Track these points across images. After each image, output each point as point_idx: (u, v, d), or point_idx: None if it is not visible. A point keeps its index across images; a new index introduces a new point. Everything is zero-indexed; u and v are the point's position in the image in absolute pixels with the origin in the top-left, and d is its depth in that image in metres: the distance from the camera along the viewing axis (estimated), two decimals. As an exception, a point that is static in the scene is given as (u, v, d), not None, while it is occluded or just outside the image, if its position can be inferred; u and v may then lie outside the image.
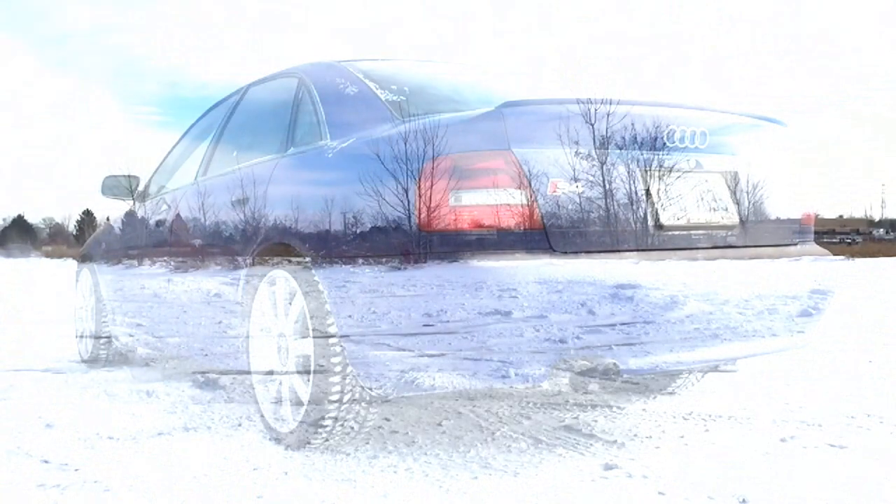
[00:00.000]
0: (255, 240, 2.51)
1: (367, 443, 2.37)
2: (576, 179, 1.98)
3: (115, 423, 2.69)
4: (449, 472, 2.08)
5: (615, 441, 2.36)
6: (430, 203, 1.91)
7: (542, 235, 1.92)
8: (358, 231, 2.08)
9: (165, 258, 3.27)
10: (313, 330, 2.17)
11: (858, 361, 3.79)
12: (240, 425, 2.61)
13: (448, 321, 1.88)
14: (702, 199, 2.20)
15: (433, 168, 1.92)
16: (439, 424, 2.62)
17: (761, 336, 2.24)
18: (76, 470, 2.14)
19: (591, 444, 2.34)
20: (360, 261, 2.05)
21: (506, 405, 2.90)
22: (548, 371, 1.92)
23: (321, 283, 2.15)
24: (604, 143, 2.05)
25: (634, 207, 2.06)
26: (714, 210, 2.22)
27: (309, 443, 2.24)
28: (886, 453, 2.22)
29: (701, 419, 2.62)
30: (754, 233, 2.30)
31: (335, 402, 2.14)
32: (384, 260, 1.99)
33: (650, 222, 2.07)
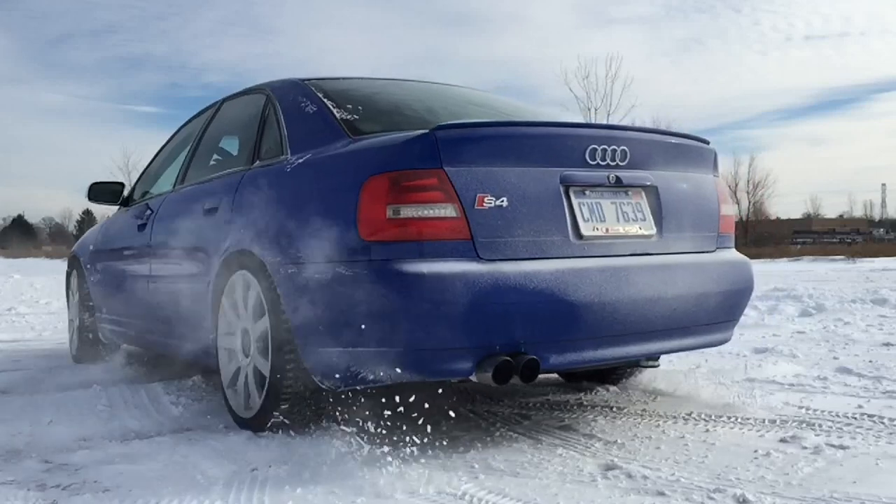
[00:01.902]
0: (223, 246, 2.71)
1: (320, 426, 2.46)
2: (501, 194, 2.15)
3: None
4: (449, 472, 2.08)
5: (615, 441, 2.36)
6: (371, 215, 2.11)
7: (469, 245, 2.10)
8: (310, 239, 2.26)
9: (146, 260, 3.47)
10: (271, 328, 2.40)
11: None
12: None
13: (386, 322, 2.07)
14: (620, 211, 2.39)
15: (374, 184, 2.12)
16: (439, 424, 2.61)
17: (680, 334, 2.50)
18: None
19: (591, 444, 2.33)
20: (312, 266, 2.24)
21: (506, 405, 2.90)
22: (474, 366, 2.12)
23: (278, 286, 2.35)
24: (529, 162, 2.24)
25: (556, 219, 2.24)
26: (633, 221, 2.42)
27: (267, 427, 2.43)
28: (886, 453, 2.21)
29: (701, 419, 2.62)
30: (672, 242, 2.50)
31: (288, 393, 2.36)
32: (332, 265, 2.17)
33: (570, 232, 2.26)
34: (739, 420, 2.60)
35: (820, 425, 2.51)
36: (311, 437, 2.43)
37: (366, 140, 2.35)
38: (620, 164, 2.37)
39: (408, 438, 2.45)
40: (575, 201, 2.29)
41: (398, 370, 2.12)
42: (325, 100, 2.66)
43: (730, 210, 2.78)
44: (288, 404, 2.38)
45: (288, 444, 2.35)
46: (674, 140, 2.63)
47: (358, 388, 2.26)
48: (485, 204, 2.12)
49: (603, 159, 2.33)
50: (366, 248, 2.10)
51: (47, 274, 14.47)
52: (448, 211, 2.09)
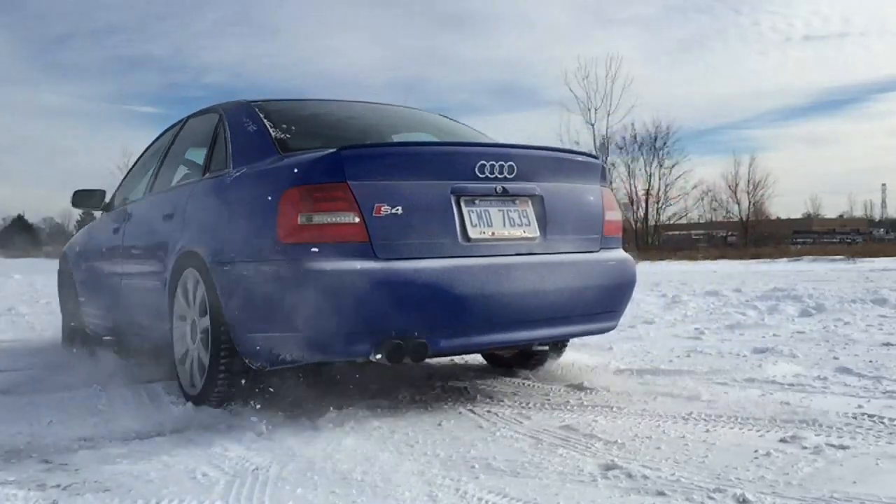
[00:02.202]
0: (176, 247, 3.09)
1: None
2: (397, 204, 2.50)
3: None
4: (449, 472, 2.08)
5: (615, 441, 2.36)
6: (287, 222, 2.47)
7: (368, 246, 2.46)
8: (240, 242, 2.66)
9: (119, 259, 3.94)
10: (210, 319, 2.76)
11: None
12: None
13: (299, 311, 2.42)
14: (507, 217, 2.73)
15: (289, 195, 2.48)
16: (439, 424, 2.62)
17: (561, 323, 2.86)
18: None
19: (591, 444, 2.33)
20: (241, 265, 2.62)
21: (507, 405, 2.90)
22: (371, 348, 2.48)
23: (216, 281, 2.72)
24: (423, 176, 2.59)
25: (446, 224, 2.59)
26: (518, 226, 2.75)
27: (209, 401, 2.81)
28: (886, 454, 2.21)
29: (702, 419, 2.62)
30: (555, 243, 2.83)
31: (224, 374, 2.73)
32: (257, 264, 2.56)
33: (459, 235, 2.60)
34: (739, 420, 2.60)
35: (820, 425, 2.50)
36: (311, 439, 2.44)
37: (290, 157, 2.70)
38: (508, 177, 2.72)
39: (407, 438, 2.45)
40: (465, 209, 2.63)
41: (310, 352, 2.52)
42: (265, 120, 3.03)
43: (615, 216, 3.10)
44: (225, 384, 2.76)
45: (288, 445, 2.36)
46: (560, 155, 3.01)
47: (277, 367, 2.65)
48: (382, 212, 2.48)
49: (491, 173, 2.68)
50: (283, 249, 2.47)
51: (47, 274, 14.44)
52: (350, 218, 2.45)
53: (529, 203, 2.80)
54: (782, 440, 2.34)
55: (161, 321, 3.25)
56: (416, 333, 2.49)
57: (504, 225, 2.72)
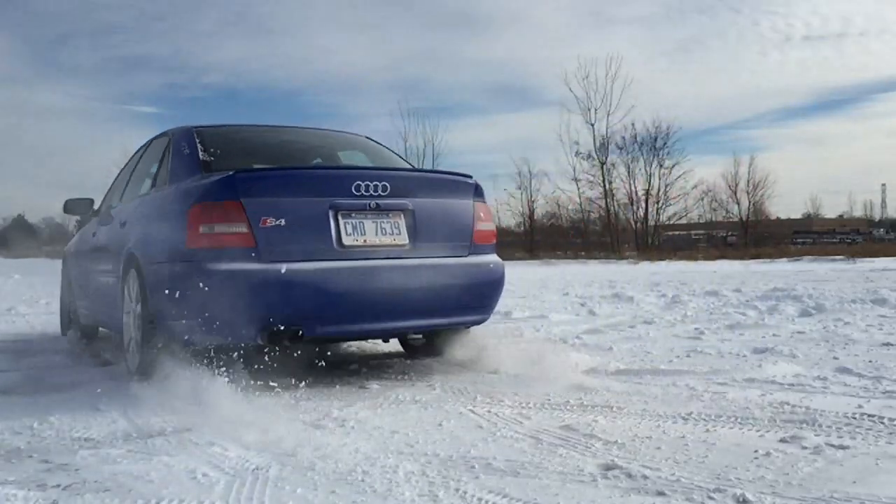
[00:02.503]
0: (125, 249, 3.64)
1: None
2: (281, 217, 3.01)
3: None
4: (449, 472, 2.08)
5: (615, 441, 2.36)
6: (192, 231, 3.01)
7: (255, 251, 2.98)
8: (162, 246, 3.21)
9: (95, 258, 4.48)
10: (142, 310, 3.31)
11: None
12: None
13: (201, 303, 2.92)
14: (379, 227, 3.21)
15: (194, 209, 3.03)
16: (439, 424, 2.62)
17: (428, 316, 3.31)
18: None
19: (591, 444, 2.33)
20: (161, 265, 3.17)
21: (507, 405, 2.90)
22: (256, 333, 2.99)
23: (145, 278, 3.28)
24: (305, 194, 3.10)
25: (323, 234, 3.09)
26: (389, 235, 3.23)
27: (146, 374, 3.24)
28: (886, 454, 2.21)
29: (702, 419, 2.62)
30: (424, 249, 3.28)
31: (153, 349, 3.20)
32: (172, 265, 3.09)
33: (335, 243, 3.10)
34: (739, 420, 2.60)
35: (820, 425, 2.51)
36: (311, 439, 2.44)
37: (206, 177, 3.19)
38: (382, 194, 3.21)
39: (408, 438, 2.45)
40: (341, 221, 3.13)
41: (210, 336, 3.00)
42: (199, 144, 3.54)
43: (485, 226, 3.54)
44: (150, 359, 3.23)
45: (289, 445, 2.36)
46: (432, 176, 3.63)
47: (189, 347, 3.12)
48: (268, 223, 2.99)
49: (367, 191, 3.17)
50: (188, 253, 3.01)
51: (47, 274, 14.44)
52: (241, 228, 2.97)
53: (402, 216, 3.28)
54: (782, 440, 2.34)
55: (118, 311, 3.75)
56: (293, 322, 2.98)
57: (376, 234, 3.21)
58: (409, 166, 3.83)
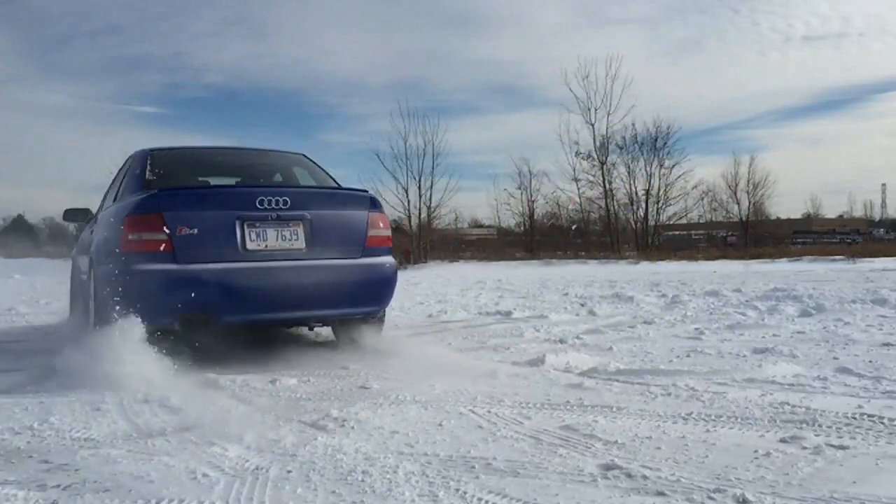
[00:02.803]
0: (90, 252, 4.39)
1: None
2: (194, 227, 3.61)
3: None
4: (450, 472, 2.08)
5: (615, 441, 2.36)
6: (125, 238, 3.64)
7: (172, 255, 3.59)
8: (107, 250, 3.87)
9: (83, 259, 5.11)
10: (94, 301, 4.08)
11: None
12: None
13: (131, 295, 3.54)
14: (280, 234, 3.81)
15: (127, 221, 3.66)
16: (440, 424, 2.62)
17: (322, 307, 3.90)
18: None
19: (591, 444, 2.34)
20: (105, 265, 3.84)
21: (507, 405, 2.90)
22: (173, 320, 3.61)
23: (95, 275, 4.05)
24: (216, 208, 3.73)
25: (230, 241, 3.69)
26: (288, 240, 3.83)
27: (97, 353, 3.52)
28: (886, 455, 2.21)
29: (702, 419, 2.62)
30: (319, 252, 3.88)
31: (104, 331, 3.62)
32: (112, 265, 3.72)
33: (240, 247, 3.71)
34: (739, 420, 2.60)
35: (820, 425, 2.51)
36: (312, 439, 2.44)
37: (144, 194, 3.81)
38: (283, 207, 3.82)
39: (408, 438, 2.45)
40: (246, 230, 3.74)
41: (141, 319, 3.49)
42: (148, 165, 4.22)
43: (379, 233, 4.13)
44: (106, 343, 3.56)
45: (289, 445, 2.36)
46: (328, 192, 4.30)
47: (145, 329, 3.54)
48: (183, 232, 3.59)
49: (269, 205, 3.79)
50: (121, 256, 3.64)
51: (47, 274, 14.45)
52: (161, 237, 3.58)
53: (301, 224, 3.88)
54: (782, 440, 2.34)
55: (90, 302, 4.35)
56: (204, 312, 3.61)
57: (277, 240, 3.81)
58: (313, 183, 4.63)
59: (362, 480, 2.01)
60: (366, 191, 4.28)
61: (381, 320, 4.50)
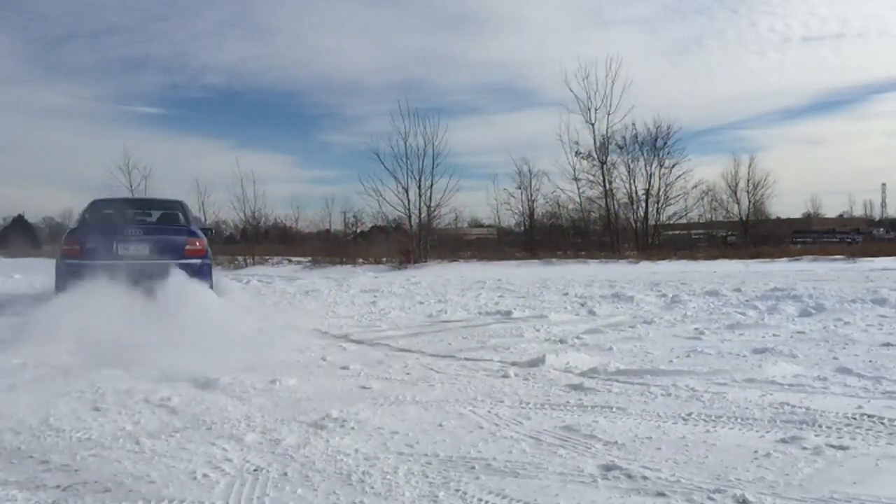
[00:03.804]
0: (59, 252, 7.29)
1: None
2: (93, 242, 6.66)
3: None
4: (450, 472, 2.08)
5: (615, 441, 2.36)
6: (64, 246, 6.94)
7: (81, 256, 6.69)
8: (59, 252, 7.12)
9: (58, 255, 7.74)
10: (55, 285, 6.93)
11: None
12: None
13: (65, 278, 6.51)
14: (137, 248, 6.70)
15: (65, 238, 7.09)
16: (440, 425, 2.62)
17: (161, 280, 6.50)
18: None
19: (591, 445, 2.34)
20: (66, 260, 6.77)
21: (507, 406, 2.90)
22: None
23: (57, 267, 6.96)
24: (105, 233, 6.76)
25: (111, 250, 6.67)
26: (143, 250, 6.69)
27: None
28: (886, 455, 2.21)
29: (702, 419, 2.62)
30: (156, 256, 6.66)
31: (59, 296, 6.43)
32: (65, 261, 6.74)
33: (115, 254, 6.65)
34: (739, 420, 2.60)
35: (820, 426, 2.51)
36: (312, 439, 2.44)
37: (79, 228, 7.14)
38: (142, 234, 6.84)
39: (408, 439, 2.45)
40: (119, 245, 6.67)
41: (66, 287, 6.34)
42: (90, 207, 7.62)
43: (193, 247, 6.92)
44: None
45: (289, 446, 2.36)
46: (165, 226, 7.56)
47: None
48: (87, 246, 6.65)
49: (136, 233, 6.79)
50: (62, 256, 6.78)
51: (47, 274, 14.45)
52: (77, 247, 6.69)
53: (148, 243, 6.71)
54: (782, 440, 2.34)
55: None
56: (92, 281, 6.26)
57: (136, 251, 6.63)
58: (181, 220, 7.59)
59: (362, 481, 2.01)
60: (185, 226, 7.40)
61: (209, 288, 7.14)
